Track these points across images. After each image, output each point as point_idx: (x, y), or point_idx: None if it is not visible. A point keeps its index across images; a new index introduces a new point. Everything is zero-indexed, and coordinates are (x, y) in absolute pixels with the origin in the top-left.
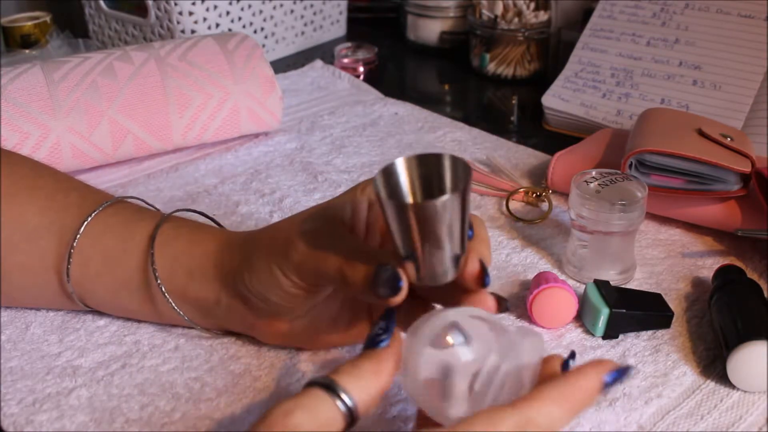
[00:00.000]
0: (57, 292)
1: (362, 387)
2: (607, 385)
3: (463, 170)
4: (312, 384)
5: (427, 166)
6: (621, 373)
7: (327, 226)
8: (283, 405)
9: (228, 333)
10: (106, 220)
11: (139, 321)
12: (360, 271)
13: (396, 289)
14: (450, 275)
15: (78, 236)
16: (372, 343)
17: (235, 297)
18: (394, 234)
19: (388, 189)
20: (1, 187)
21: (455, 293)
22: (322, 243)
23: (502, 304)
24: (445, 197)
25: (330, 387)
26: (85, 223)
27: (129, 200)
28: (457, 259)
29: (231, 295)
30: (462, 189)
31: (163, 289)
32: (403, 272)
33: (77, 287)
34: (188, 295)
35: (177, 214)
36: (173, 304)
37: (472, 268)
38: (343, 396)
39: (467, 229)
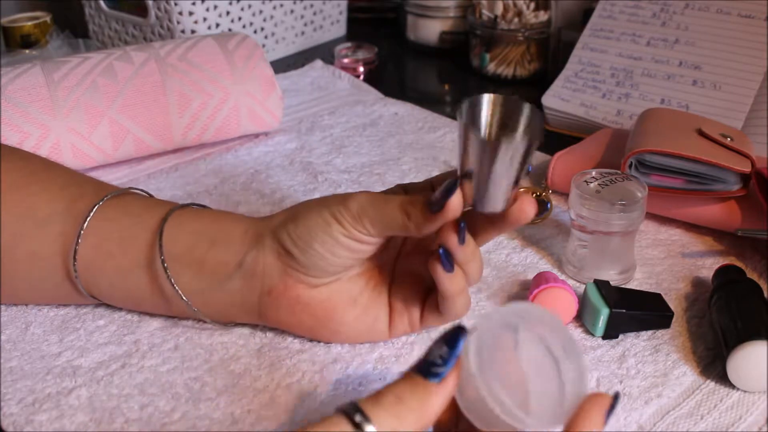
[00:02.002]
0: (63, 280)
1: (398, 427)
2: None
3: (538, 120)
4: (342, 412)
5: (508, 108)
6: (614, 404)
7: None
8: None
9: (228, 332)
10: (125, 206)
11: (140, 319)
12: (418, 202)
13: (453, 190)
14: (501, 205)
15: (89, 217)
16: (425, 372)
17: (268, 252)
18: (463, 157)
19: (470, 117)
20: (14, 178)
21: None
22: (380, 195)
23: (542, 206)
24: (517, 139)
25: (359, 425)
26: (98, 205)
27: (141, 192)
28: (509, 192)
29: (261, 252)
30: (530, 137)
31: (165, 264)
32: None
33: (86, 271)
34: (207, 262)
35: None
36: (171, 280)
37: (524, 204)
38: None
39: (526, 169)
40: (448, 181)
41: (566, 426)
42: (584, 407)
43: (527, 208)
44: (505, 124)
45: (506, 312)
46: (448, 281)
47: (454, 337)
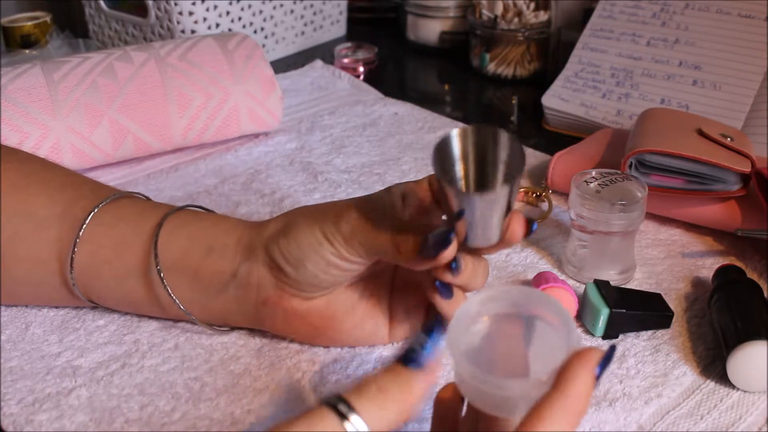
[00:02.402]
0: (60, 284)
1: (381, 417)
2: (598, 377)
3: (517, 151)
4: (326, 404)
5: (482, 140)
6: (607, 358)
7: (377, 204)
8: (290, 427)
9: (226, 332)
10: (121, 210)
11: (139, 318)
12: (411, 239)
13: (446, 243)
14: (496, 237)
15: (85, 225)
16: (405, 360)
17: (261, 265)
18: (446, 203)
19: (443, 162)
20: (13, 179)
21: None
22: (374, 217)
23: (529, 226)
24: (498, 188)
25: (344, 415)
26: (93, 212)
27: (138, 195)
28: (502, 225)
29: (254, 264)
30: (514, 176)
31: (162, 275)
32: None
33: (83, 276)
34: (202, 271)
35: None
36: (169, 290)
37: (515, 227)
38: (357, 423)
39: (515, 198)
40: (442, 232)
41: (551, 387)
42: (570, 363)
43: (518, 230)
44: (483, 160)
45: (493, 297)
46: (448, 307)
47: (432, 325)
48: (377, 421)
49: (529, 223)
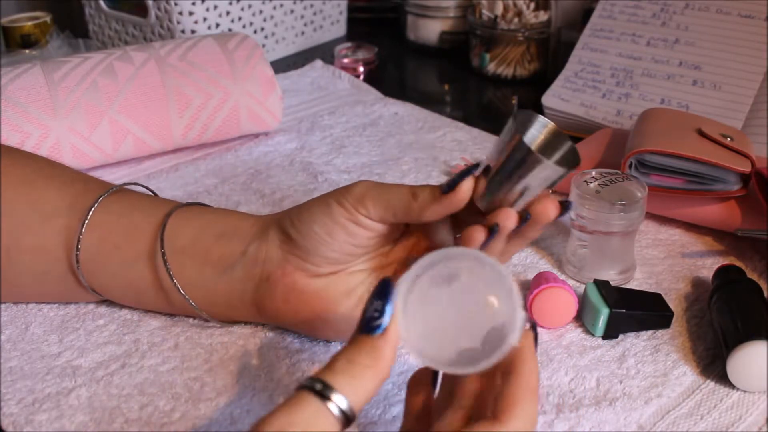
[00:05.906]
0: (65, 271)
1: (358, 386)
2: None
3: (576, 158)
4: (303, 388)
5: (552, 138)
6: (536, 333)
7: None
8: (274, 421)
9: (228, 332)
10: (132, 200)
11: (139, 318)
12: (427, 186)
13: (468, 173)
14: (514, 206)
15: (93, 208)
16: (367, 328)
17: (271, 243)
18: (495, 158)
19: (521, 129)
20: (20, 174)
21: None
22: (386, 184)
23: (565, 206)
24: (559, 167)
25: (322, 393)
26: (103, 196)
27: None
28: (517, 204)
29: (265, 242)
30: (567, 169)
31: (165, 258)
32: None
33: (90, 263)
34: (212, 254)
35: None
36: (170, 273)
37: (550, 207)
38: (337, 399)
39: (552, 186)
40: (467, 166)
41: (509, 372)
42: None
43: (551, 209)
44: (545, 149)
45: (429, 265)
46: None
47: (383, 289)
48: (354, 390)
49: (563, 205)
